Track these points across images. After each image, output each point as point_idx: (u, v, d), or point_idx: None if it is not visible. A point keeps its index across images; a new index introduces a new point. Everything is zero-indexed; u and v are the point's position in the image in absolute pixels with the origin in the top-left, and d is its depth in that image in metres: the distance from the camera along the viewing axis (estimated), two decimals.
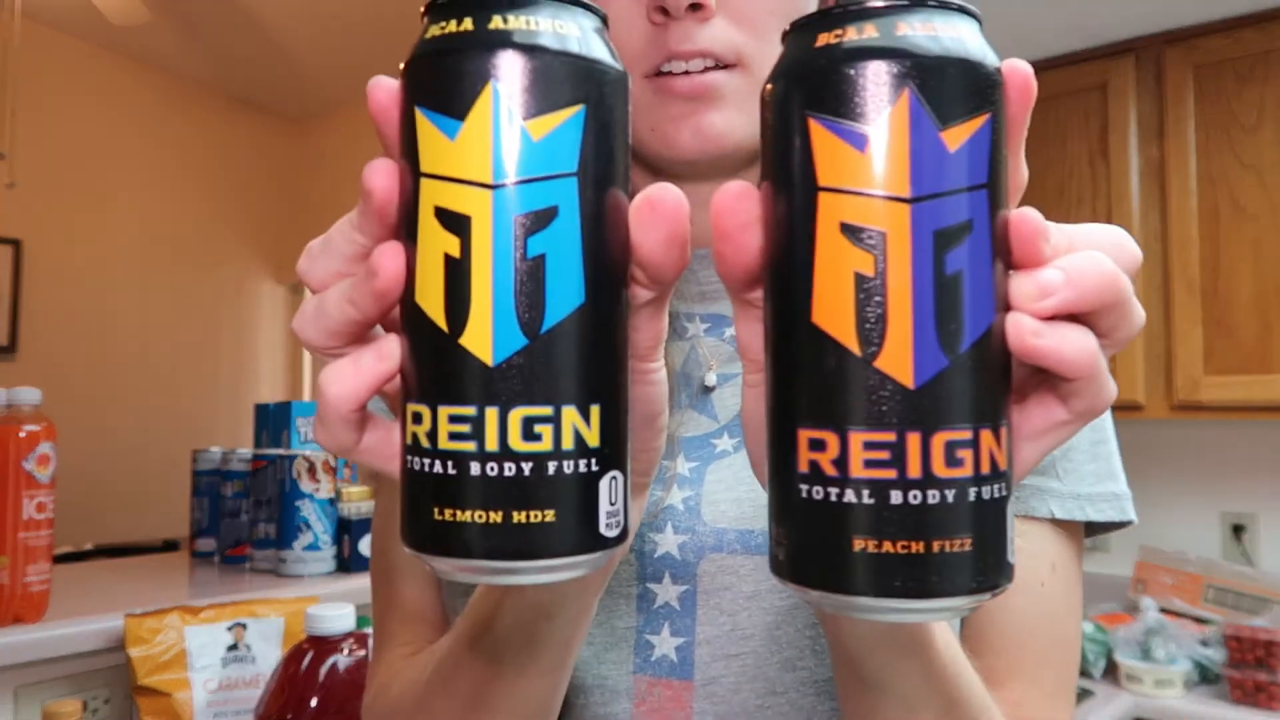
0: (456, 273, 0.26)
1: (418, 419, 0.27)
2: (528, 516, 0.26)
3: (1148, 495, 2.34)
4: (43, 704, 1.02)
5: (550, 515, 0.27)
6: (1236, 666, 1.73)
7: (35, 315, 4.11)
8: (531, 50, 0.27)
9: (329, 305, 0.29)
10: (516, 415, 0.26)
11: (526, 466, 0.26)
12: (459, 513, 0.26)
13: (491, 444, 0.26)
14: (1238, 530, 2.18)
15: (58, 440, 1.06)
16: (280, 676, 0.91)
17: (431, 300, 0.27)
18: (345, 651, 0.92)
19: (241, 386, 4.81)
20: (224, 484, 1.42)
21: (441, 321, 0.27)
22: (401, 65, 0.29)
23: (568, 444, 0.27)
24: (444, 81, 0.27)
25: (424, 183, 0.27)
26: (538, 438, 0.26)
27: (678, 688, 0.45)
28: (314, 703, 0.89)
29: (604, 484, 0.28)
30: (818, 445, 0.26)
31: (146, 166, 4.51)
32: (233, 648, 1.09)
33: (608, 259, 0.28)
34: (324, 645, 0.91)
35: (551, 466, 0.26)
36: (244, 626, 1.10)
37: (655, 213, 0.28)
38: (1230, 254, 1.96)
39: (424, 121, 0.27)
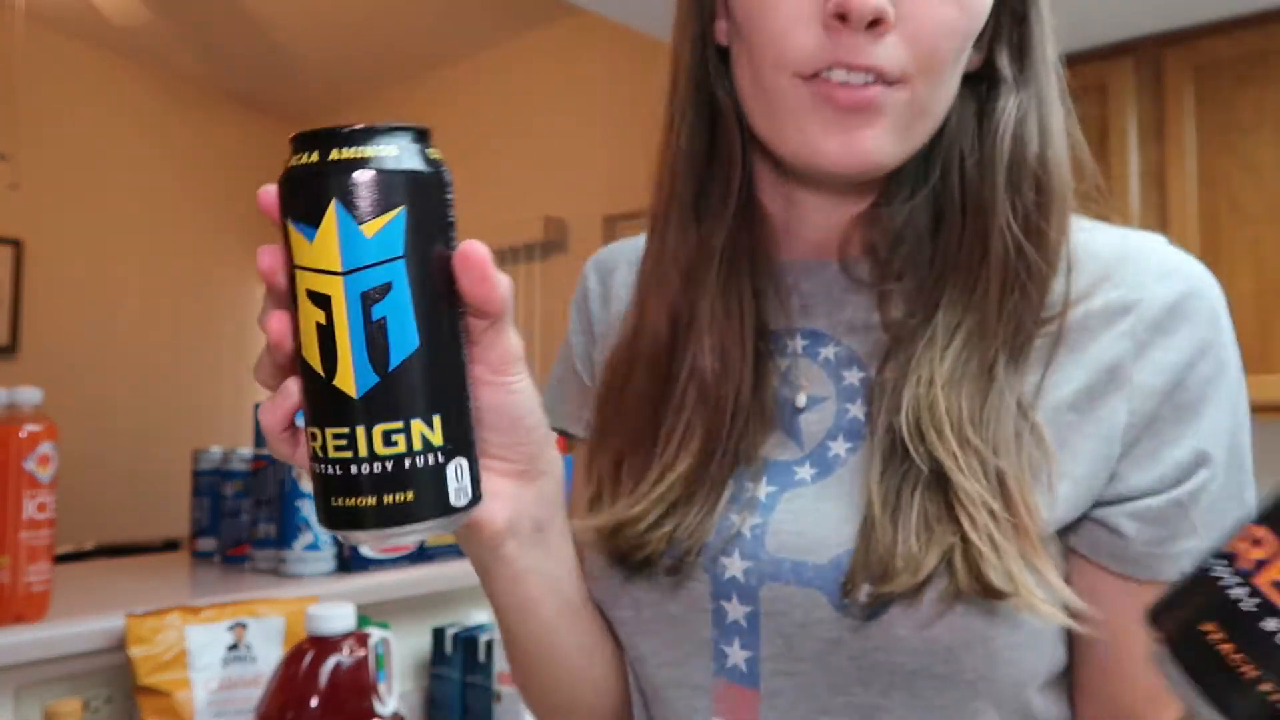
0: (326, 335, 0.38)
1: (313, 437, 0.40)
2: (395, 498, 0.39)
3: None
4: (43, 703, 1.02)
5: (410, 495, 0.39)
6: None
7: (36, 315, 4.11)
8: (359, 173, 0.38)
9: (260, 358, 0.42)
10: (377, 430, 0.39)
11: (390, 464, 0.39)
12: (347, 499, 0.39)
13: (363, 451, 0.39)
14: None
15: (59, 440, 1.06)
16: (281, 676, 0.92)
17: (311, 354, 0.39)
18: (346, 651, 0.92)
19: (241, 386, 4.81)
20: (224, 484, 1.42)
21: (319, 369, 0.39)
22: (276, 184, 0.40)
23: (417, 445, 0.39)
24: (301, 200, 0.39)
25: (297, 272, 0.39)
26: (394, 444, 0.39)
27: (748, 694, 0.50)
28: (314, 703, 0.89)
29: (450, 469, 0.40)
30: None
31: (147, 167, 4.51)
32: (233, 647, 1.09)
33: (436, 309, 0.40)
34: (325, 645, 0.92)
35: (407, 462, 0.39)
36: (244, 626, 1.10)
37: (468, 263, 0.40)
38: (1230, 255, 1.97)
39: (292, 229, 0.39)
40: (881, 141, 0.48)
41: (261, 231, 5.22)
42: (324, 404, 0.39)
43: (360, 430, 0.39)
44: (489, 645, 1.33)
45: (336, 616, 0.92)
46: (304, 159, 0.39)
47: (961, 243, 0.50)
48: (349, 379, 0.38)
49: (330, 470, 0.39)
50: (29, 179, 4.00)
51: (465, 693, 1.36)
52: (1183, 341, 0.48)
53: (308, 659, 0.91)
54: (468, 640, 1.36)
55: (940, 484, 0.46)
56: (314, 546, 1.35)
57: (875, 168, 0.49)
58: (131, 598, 1.16)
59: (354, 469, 0.39)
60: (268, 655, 1.10)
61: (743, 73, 0.51)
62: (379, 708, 0.92)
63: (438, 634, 1.40)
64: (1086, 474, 0.47)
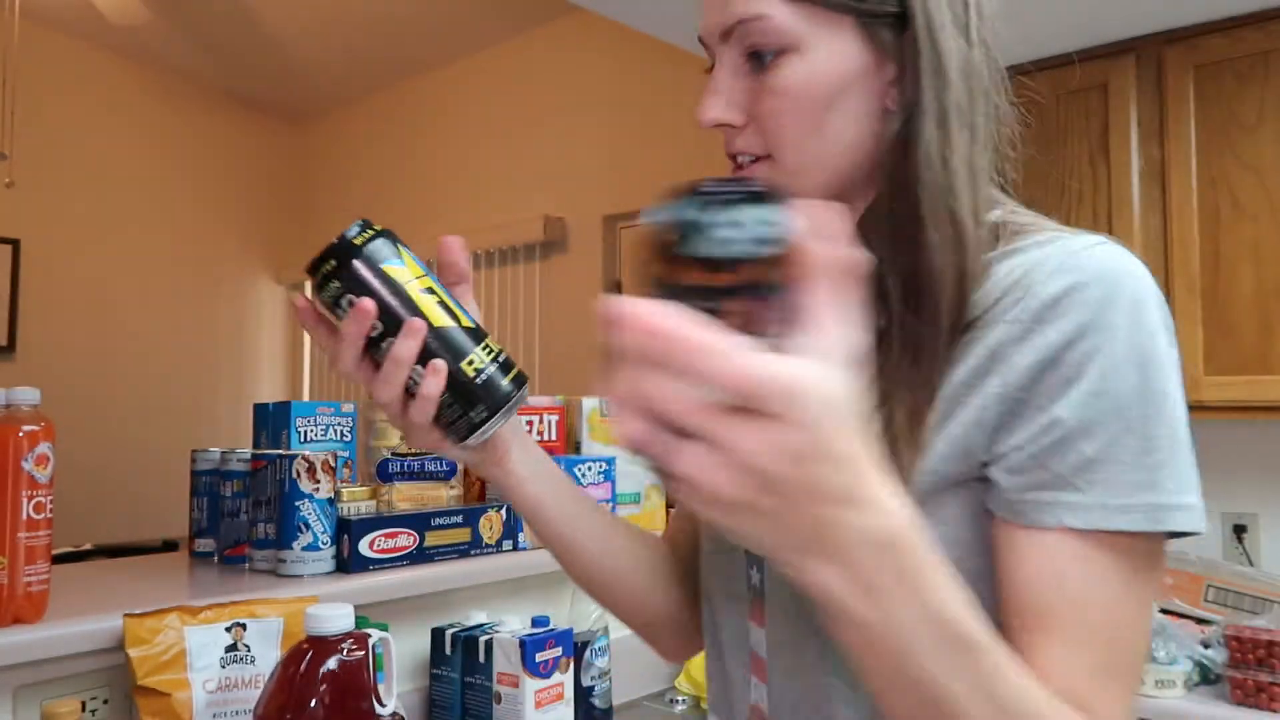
0: (447, 308, 0.68)
1: (470, 361, 0.67)
2: (508, 377, 0.68)
3: None
4: (42, 704, 1.02)
5: (512, 375, 0.68)
6: (1237, 667, 1.73)
7: (34, 315, 4.10)
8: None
9: (341, 356, 0.67)
10: (487, 346, 0.68)
11: (500, 359, 0.68)
12: (499, 380, 0.67)
13: (488, 359, 0.67)
14: (1238, 530, 2.18)
15: (56, 440, 1.06)
16: (280, 677, 0.91)
17: (448, 320, 0.67)
18: (345, 652, 0.91)
19: (241, 386, 4.81)
20: (223, 484, 1.41)
21: (458, 323, 0.67)
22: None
23: (493, 354, 0.67)
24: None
25: (408, 286, 0.66)
26: (492, 350, 0.68)
27: (758, 601, 0.69)
28: (314, 703, 0.89)
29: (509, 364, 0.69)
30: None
31: (146, 166, 4.51)
32: (232, 648, 1.08)
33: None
34: (324, 645, 0.91)
35: (502, 357, 0.68)
36: (243, 626, 1.10)
37: (451, 244, 0.72)
38: (1230, 254, 1.96)
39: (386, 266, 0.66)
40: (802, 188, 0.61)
41: (261, 231, 5.25)
42: (465, 339, 0.65)
43: (483, 349, 0.66)
44: (489, 645, 1.32)
45: (335, 617, 0.92)
46: (326, 268, 0.65)
47: (893, 264, 0.59)
48: (466, 322, 0.66)
49: (486, 371, 0.65)
50: (26, 178, 4.00)
51: (465, 693, 1.35)
52: (1062, 326, 0.55)
53: (306, 659, 0.91)
54: (467, 640, 1.35)
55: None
56: (313, 547, 1.34)
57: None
58: (130, 598, 1.16)
59: (491, 367, 0.66)
60: (266, 656, 1.10)
61: None
62: (378, 708, 0.92)
63: (437, 634, 1.40)
64: (963, 437, 0.57)
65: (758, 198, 0.39)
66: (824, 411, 0.38)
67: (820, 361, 0.38)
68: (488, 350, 0.66)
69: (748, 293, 0.39)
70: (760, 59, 0.61)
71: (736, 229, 0.38)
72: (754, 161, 0.63)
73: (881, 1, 0.60)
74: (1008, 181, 0.66)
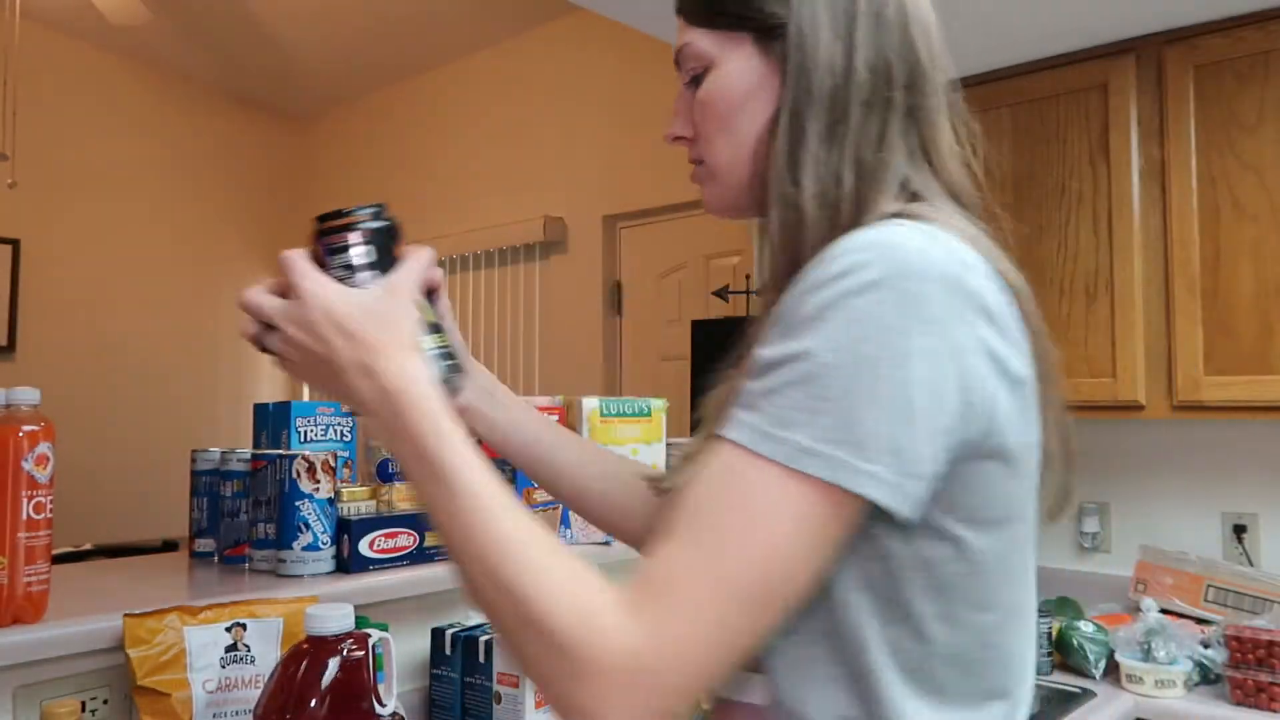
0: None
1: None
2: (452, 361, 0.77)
3: (1148, 495, 2.33)
4: (42, 704, 1.02)
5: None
6: (1237, 667, 1.73)
7: (34, 315, 4.10)
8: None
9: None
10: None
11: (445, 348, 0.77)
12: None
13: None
14: (1239, 530, 2.18)
15: (57, 440, 1.06)
16: (280, 677, 0.91)
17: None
18: (345, 652, 0.91)
19: (241, 386, 4.81)
20: (223, 484, 1.41)
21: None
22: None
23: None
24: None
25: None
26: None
27: None
28: (313, 703, 0.88)
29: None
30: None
31: (146, 166, 4.51)
32: (232, 648, 1.08)
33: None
34: (324, 645, 0.91)
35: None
36: (243, 627, 1.10)
37: (421, 252, 0.80)
38: (1230, 254, 1.96)
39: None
40: (707, 195, 0.77)
41: (261, 230, 5.26)
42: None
43: (434, 338, 0.73)
44: (489, 645, 1.32)
45: (335, 617, 0.92)
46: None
47: (777, 262, 0.69)
48: (429, 316, 0.76)
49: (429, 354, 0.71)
50: (27, 178, 4.00)
51: (465, 693, 1.35)
52: (803, 283, 0.60)
53: (306, 660, 0.91)
54: (467, 640, 1.35)
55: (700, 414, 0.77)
56: (313, 547, 1.35)
57: (725, 208, 0.77)
58: (130, 598, 1.16)
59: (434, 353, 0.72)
60: (266, 656, 1.10)
61: None
62: (378, 708, 0.92)
63: (437, 634, 1.39)
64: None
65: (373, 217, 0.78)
66: (330, 310, 0.68)
67: (353, 289, 0.70)
68: (438, 341, 0.73)
69: (344, 261, 0.73)
70: (697, 81, 0.74)
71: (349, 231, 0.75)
72: (698, 166, 0.76)
73: (769, 18, 0.70)
74: (951, 169, 0.72)
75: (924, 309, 0.56)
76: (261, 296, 0.72)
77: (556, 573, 0.57)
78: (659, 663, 0.54)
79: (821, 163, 0.67)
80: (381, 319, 0.67)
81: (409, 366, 0.65)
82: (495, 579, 0.58)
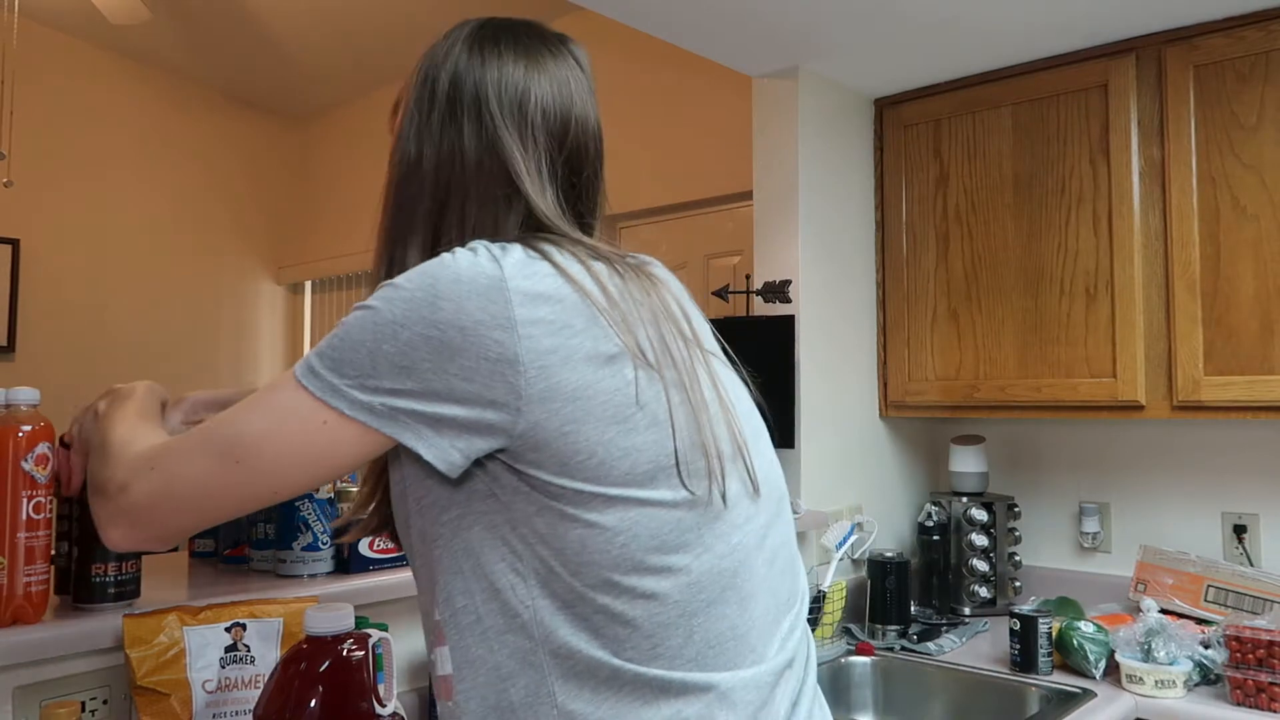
0: None
1: None
2: None
3: (1148, 495, 2.33)
4: (41, 704, 1.02)
5: None
6: (1237, 667, 1.73)
7: (33, 315, 4.10)
8: None
9: None
10: None
11: None
12: None
13: None
14: (1239, 530, 2.18)
15: (56, 440, 1.06)
16: (279, 677, 0.91)
17: None
18: (345, 652, 0.91)
19: (240, 387, 4.81)
20: None
21: None
22: None
23: None
24: None
25: None
26: None
27: None
28: (313, 703, 0.88)
29: None
30: None
31: (145, 166, 4.51)
32: (231, 648, 1.08)
33: None
34: (323, 645, 0.91)
35: None
36: (243, 627, 1.10)
37: None
38: (1230, 254, 1.96)
39: None
40: None
41: (260, 231, 5.23)
42: None
43: None
44: None
45: (335, 617, 0.92)
46: None
47: None
48: None
49: None
50: (26, 178, 4.00)
51: None
52: None
53: (306, 660, 0.90)
54: None
55: None
56: (313, 547, 1.34)
57: None
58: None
59: None
60: (266, 656, 1.10)
61: None
62: (378, 708, 0.92)
63: None
64: None
65: None
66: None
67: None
68: None
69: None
70: None
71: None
72: None
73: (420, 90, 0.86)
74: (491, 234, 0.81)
75: (410, 295, 0.72)
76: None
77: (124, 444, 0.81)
78: (136, 480, 0.76)
79: (394, 257, 0.83)
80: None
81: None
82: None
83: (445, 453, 0.71)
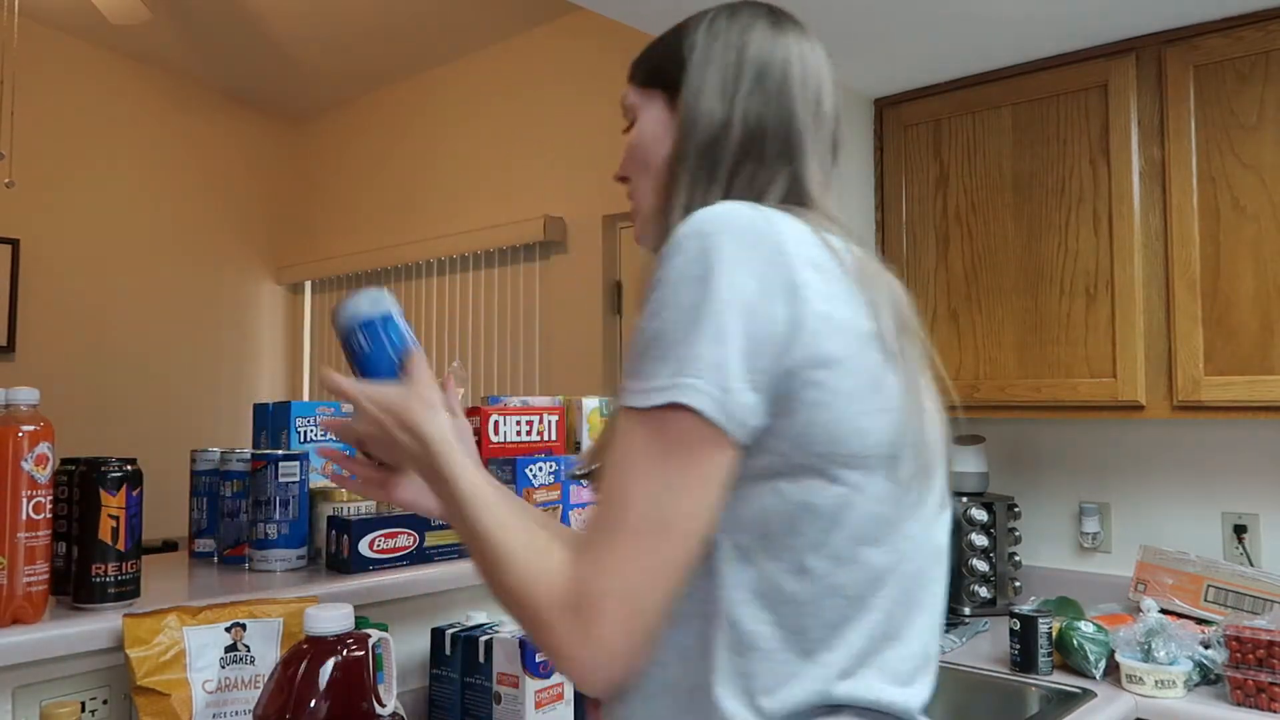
0: None
1: None
2: None
3: (1148, 495, 2.33)
4: (41, 704, 1.02)
5: None
6: (1237, 667, 1.73)
7: (33, 315, 4.10)
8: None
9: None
10: None
11: None
12: None
13: None
14: (1239, 530, 2.18)
15: (57, 440, 1.06)
16: (279, 677, 0.91)
17: None
18: (344, 652, 0.91)
19: (241, 386, 4.81)
20: (223, 484, 1.41)
21: None
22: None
23: None
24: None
25: None
26: None
27: None
28: (313, 703, 0.88)
29: None
30: None
31: (145, 166, 4.50)
32: (232, 648, 1.08)
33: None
34: (323, 646, 0.91)
35: None
36: (243, 627, 1.10)
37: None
38: (1231, 254, 1.96)
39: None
40: (635, 230, 0.93)
41: (261, 231, 5.24)
42: None
43: None
44: (489, 645, 1.32)
45: (335, 617, 0.92)
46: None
47: None
48: None
49: None
50: (26, 178, 4.00)
51: (465, 693, 1.35)
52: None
53: (306, 660, 0.91)
54: (467, 641, 1.35)
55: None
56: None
57: (639, 241, 0.92)
58: None
59: None
60: (266, 656, 1.10)
61: None
62: (378, 708, 0.92)
63: (437, 634, 1.39)
64: None
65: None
66: (374, 401, 0.85)
67: (386, 388, 0.85)
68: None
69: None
70: (629, 130, 0.90)
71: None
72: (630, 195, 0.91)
73: (670, 78, 0.86)
74: (800, 208, 0.81)
75: (708, 261, 0.68)
76: (333, 421, 0.91)
77: (524, 551, 0.72)
78: (585, 598, 0.67)
79: (689, 206, 0.80)
80: (408, 396, 0.84)
81: (432, 422, 0.83)
82: (487, 565, 0.74)
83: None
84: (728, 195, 0.80)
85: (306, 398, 4.86)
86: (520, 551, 0.71)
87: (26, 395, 1.03)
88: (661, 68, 0.87)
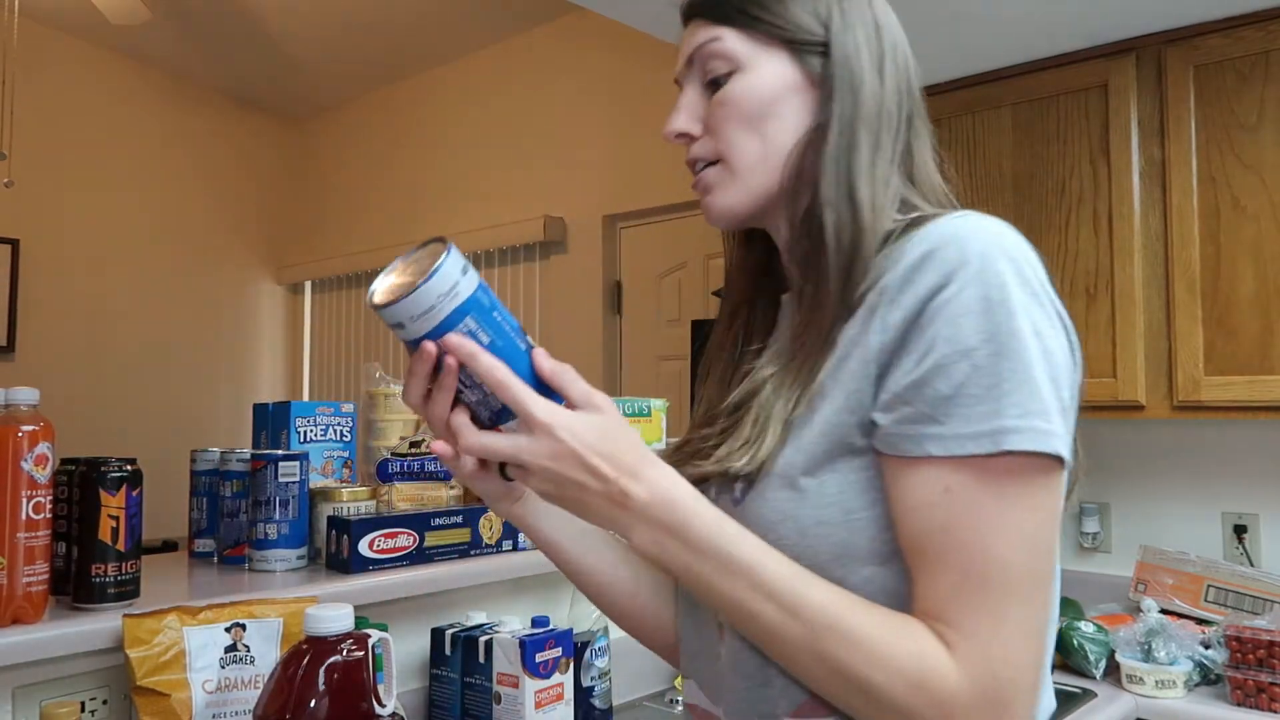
0: None
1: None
2: None
3: (1148, 495, 2.33)
4: (41, 704, 1.02)
5: None
6: (1237, 667, 1.73)
7: (33, 315, 4.10)
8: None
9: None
10: None
11: None
12: None
13: None
14: (1239, 530, 2.18)
15: (56, 440, 1.06)
16: (279, 677, 0.91)
17: None
18: (344, 652, 0.91)
19: (241, 386, 4.81)
20: (223, 484, 1.41)
21: None
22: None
23: None
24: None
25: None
26: None
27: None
28: (313, 704, 0.88)
29: None
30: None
31: (145, 166, 4.51)
32: (231, 648, 1.08)
33: None
34: (323, 646, 0.91)
35: None
36: (243, 627, 1.10)
37: None
38: (1231, 254, 1.96)
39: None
40: (718, 199, 0.77)
41: (261, 231, 5.25)
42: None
43: None
44: (488, 645, 1.32)
45: (335, 617, 0.92)
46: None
47: (807, 259, 0.73)
48: None
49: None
50: (26, 178, 3.99)
51: (465, 693, 1.35)
52: (922, 283, 0.64)
53: (306, 660, 0.90)
54: (467, 641, 1.35)
55: (743, 403, 0.73)
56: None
57: (726, 217, 0.78)
58: None
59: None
60: (266, 656, 1.10)
61: None
62: (378, 709, 0.92)
63: (437, 634, 1.39)
64: (852, 389, 0.67)
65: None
66: (577, 438, 0.64)
67: (582, 415, 0.65)
68: None
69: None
70: (716, 84, 0.76)
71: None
72: (707, 166, 0.77)
73: (809, 35, 0.74)
74: (935, 187, 0.78)
75: (1025, 281, 0.63)
76: (491, 440, 0.66)
77: (871, 642, 0.61)
78: (999, 685, 0.59)
79: (874, 175, 0.73)
80: (619, 440, 0.66)
81: (664, 478, 0.66)
82: (823, 661, 0.62)
83: None
84: (894, 172, 0.75)
85: (306, 398, 4.86)
86: (870, 632, 0.61)
87: (26, 395, 1.03)
88: (790, 23, 0.74)
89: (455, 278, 0.63)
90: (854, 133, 0.73)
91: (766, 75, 0.75)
